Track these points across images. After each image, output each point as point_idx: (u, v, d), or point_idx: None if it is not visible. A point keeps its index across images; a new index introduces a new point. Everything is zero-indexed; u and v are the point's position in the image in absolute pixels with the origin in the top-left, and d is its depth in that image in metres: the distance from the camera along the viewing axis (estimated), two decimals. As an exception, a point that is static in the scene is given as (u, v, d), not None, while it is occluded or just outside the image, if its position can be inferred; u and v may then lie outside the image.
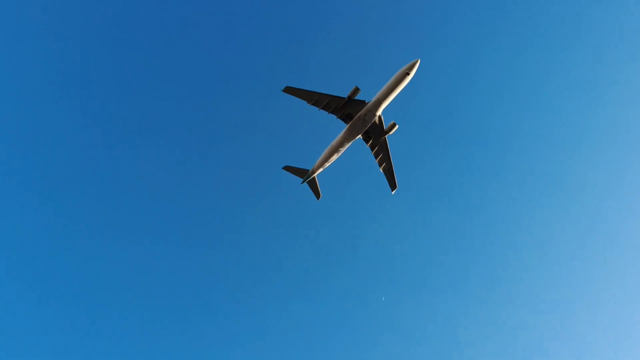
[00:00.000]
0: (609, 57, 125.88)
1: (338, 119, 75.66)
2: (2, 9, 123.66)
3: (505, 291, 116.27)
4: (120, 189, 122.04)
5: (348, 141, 76.41)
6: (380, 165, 78.51)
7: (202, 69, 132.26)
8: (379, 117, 75.22)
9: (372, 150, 78.02)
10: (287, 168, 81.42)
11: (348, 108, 74.35)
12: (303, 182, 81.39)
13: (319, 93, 72.91)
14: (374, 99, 73.57)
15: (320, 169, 79.62)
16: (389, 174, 78.35)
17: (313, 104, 73.98)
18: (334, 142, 77.13)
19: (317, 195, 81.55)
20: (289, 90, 72.43)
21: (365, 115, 74.15)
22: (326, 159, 78.25)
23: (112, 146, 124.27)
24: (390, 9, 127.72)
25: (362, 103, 74.01)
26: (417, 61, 69.60)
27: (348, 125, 75.38)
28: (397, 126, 75.69)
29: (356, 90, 72.19)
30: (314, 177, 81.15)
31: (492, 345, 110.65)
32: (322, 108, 74.37)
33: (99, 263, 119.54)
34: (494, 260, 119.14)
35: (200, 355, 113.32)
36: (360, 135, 76.60)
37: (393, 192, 79.03)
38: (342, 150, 77.23)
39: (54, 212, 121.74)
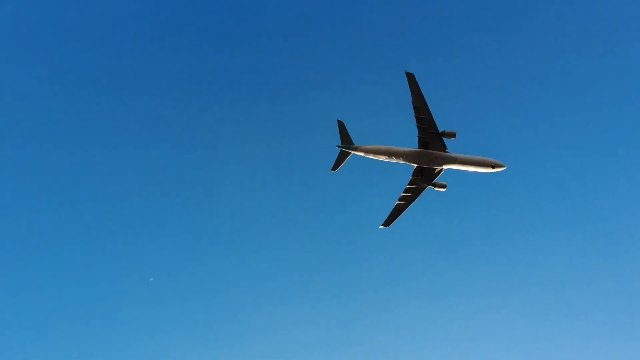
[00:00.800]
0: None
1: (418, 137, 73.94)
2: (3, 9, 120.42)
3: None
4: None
5: (405, 159, 74.06)
6: (398, 200, 76.09)
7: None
8: (442, 169, 74.78)
9: (408, 184, 75.58)
10: (341, 125, 73.92)
11: (434, 140, 73.37)
12: (340, 147, 73.67)
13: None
14: (454, 154, 73.72)
15: (362, 153, 74.09)
16: (396, 212, 76.25)
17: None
18: (397, 148, 73.93)
19: (335, 167, 74.20)
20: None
21: (437, 158, 73.56)
22: (376, 152, 73.76)
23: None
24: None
25: (444, 147, 73.67)
26: (504, 167, 74.39)
27: (420, 149, 73.63)
28: (445, 189, 74.97)
29: (453, 134, 72.21)
30: (349, 152, 73.89)
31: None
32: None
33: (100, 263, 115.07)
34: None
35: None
36: (415, 165, 74.76)
37: (380, 227, 77.17)
38: (393, 160, 74.02)
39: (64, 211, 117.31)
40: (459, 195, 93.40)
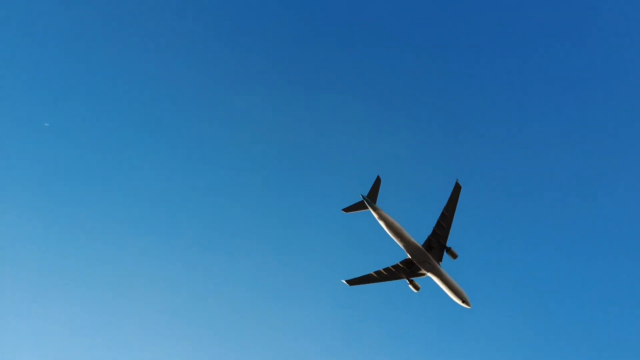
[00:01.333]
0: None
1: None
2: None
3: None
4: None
5: (405, 246, 72.81)
6: (374, 272, 75.20)
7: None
8: (426, 275, 74.58)
9: (392, 266, 75.08)
10: (378, 181, 71.08)
11: (437, 248, 73.03)
12: (363, 198, 70.98)
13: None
14: (443, 270, 73.35)
15: (376, 216, 71.19)
16: (365, 280, 75.36)
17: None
18: (406, 233, 72.16)
19: (347, 210, 71.85)
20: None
21: (428, 264, 73.15)
22: (388, 224, 71.44)
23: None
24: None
25: (440, 259, 73.42)
26: (469, 307, 74.39)
27: (422, 247, 72.71)
28: (417, 291, 75.09)
29: (455, 255, 73.01)
30: (367, 208, 71.47)
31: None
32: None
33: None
34: None
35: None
36: (408, 256, 73.34)
37: (343, 281, 75.67)
38: (395, 239, 72.23)
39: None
40: (424, 305, 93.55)
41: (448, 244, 72.50)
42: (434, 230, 72.14)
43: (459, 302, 74.39)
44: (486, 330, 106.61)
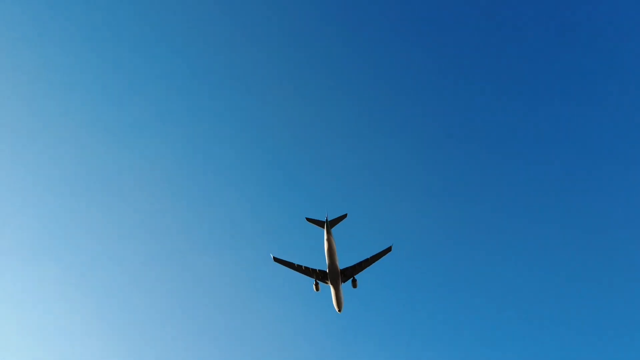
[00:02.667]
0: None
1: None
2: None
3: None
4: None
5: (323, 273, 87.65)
6: (304, 265, 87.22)
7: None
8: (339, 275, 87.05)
9: (317, 278, 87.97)
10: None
11: (342, 276, 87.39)
12: (326, 224, 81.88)
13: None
14: (340, 285, 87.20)
15: (327, 243, 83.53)
16: (288, 264, 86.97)
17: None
18: (336, 258, 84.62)
19: (310, 220, 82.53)
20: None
21: (334, 280, 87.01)
22: (328, 249, 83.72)
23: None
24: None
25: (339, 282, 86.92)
26: (338, 312, 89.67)
27: (337, 270, 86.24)
28: (316, 289, 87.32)
29: (355, 285, 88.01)
30: (325, 232, 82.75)
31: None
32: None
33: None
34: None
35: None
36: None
37: (272, 255, 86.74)
38: (327, 259, 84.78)
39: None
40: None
41: (357, 277, 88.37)
42: (353, 265, 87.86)
43: (336, 309, 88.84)
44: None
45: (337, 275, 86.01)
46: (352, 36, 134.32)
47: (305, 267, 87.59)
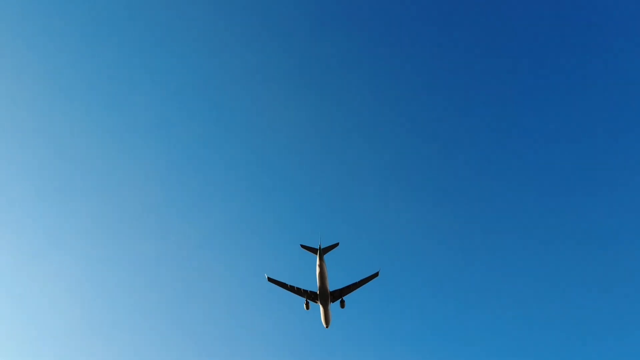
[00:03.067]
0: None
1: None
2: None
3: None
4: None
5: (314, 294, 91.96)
6: (296, 286, 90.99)
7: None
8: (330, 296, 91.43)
9: (307, 298, 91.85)
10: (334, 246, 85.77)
11: (332, 298, 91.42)
12: (319, 251, 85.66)
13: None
14: (329, 305, 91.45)
15: (317, 261, 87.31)
16: (282, 285, 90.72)
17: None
18: (327, 282, 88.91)
19: (302, 247, 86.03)
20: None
21: (324, 300, 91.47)
22: (320, 272, 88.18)
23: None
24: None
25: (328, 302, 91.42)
26: (326, 328, 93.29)
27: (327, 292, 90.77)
28: (306, 307, 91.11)
29: (343, 305, 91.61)
30: (318, 258, 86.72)
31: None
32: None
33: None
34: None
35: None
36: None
37: (266, 275, 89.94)
38: (318, 282, 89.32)
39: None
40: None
41: (345, 298, 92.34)
42: (342, 288, 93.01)
43: (324, 325, 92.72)
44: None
45: (327, 296, 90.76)
46: (348, 40, 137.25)
47: (297, 287, 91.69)
